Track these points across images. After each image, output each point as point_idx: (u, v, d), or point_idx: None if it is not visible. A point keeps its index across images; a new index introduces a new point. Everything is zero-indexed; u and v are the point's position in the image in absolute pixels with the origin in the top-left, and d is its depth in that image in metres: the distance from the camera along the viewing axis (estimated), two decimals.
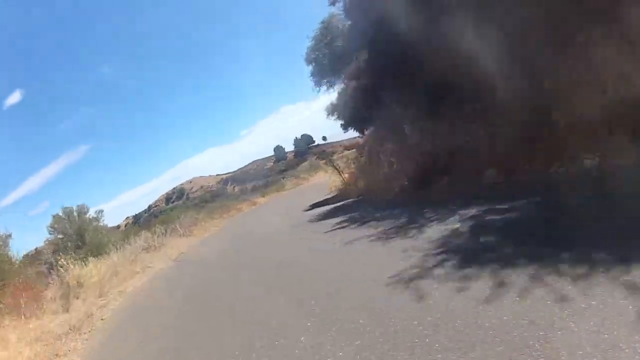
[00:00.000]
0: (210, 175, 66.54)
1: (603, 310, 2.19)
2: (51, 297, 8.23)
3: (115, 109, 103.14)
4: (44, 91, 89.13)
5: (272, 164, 65.16)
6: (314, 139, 65.60)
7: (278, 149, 67.12)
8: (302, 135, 67.16)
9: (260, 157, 68.23)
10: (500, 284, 2.84)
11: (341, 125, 14.52)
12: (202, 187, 62.93)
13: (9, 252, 9.14)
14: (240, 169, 69.42)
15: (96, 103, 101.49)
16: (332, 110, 14.56)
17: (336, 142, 69.02)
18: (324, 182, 18.65)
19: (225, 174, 67.88)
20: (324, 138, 65.78)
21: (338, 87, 14.10)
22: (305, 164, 62.28)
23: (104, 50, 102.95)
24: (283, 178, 49.82)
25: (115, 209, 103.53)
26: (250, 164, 69.13)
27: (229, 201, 33.59)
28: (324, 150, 64.37)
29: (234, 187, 66.31)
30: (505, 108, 5.91)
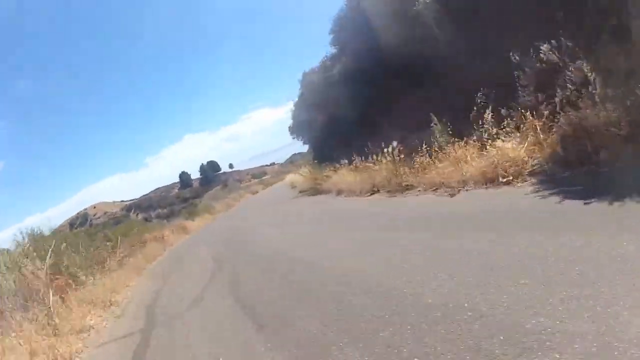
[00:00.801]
0: (114, 202, 59.25)
1: None
2: None
3: (24, 128, 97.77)
4: None
5: (177, 190, 67.78)
6: (220, 166, 73.78)
7: (183, 175, 70.17)
8: (208, 162, 72.25)
9: (165, 184, 68.21)
10: None
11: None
12: (105, 213, 56.80)
13: None
14: (144, 195, 66.12)
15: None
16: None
17: (243, 169, 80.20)
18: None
19: (129, 200, 62.85)
20: (231, 166, 74.94)
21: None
22: (212, 192, 71.76)
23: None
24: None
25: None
26: (154, 191, 67.43)
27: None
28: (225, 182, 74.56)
29: (137, 214, 65.91)
30: None
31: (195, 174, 71.24)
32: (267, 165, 77.18)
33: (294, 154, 77.00)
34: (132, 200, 65.95)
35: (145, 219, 58.29)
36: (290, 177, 23.58)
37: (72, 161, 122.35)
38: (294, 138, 18.08)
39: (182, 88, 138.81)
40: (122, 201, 64.89)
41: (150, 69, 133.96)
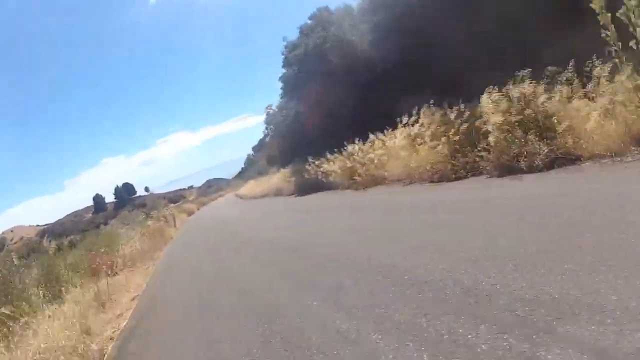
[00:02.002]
0: (30, 226, 57.04)
1: None
2: None
3: None
4: None
5: (90, 215, 68.96)
6: (135, 189, 76.08)
7: (97, 199, 70.94)
8: (123, 184, 73.84)
9: (80, 208, 68.02)
10: None
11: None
12: (22, 237, 55.91)
13: None
14: (58, 220, 65.00)
15: None
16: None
17: (158, 194, 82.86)
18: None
19: (44, 225, 61.48)
20: (147, 189, 77.93)
21: None
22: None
23: None
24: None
25: None
26: (68, 215, 66.73)
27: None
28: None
29: (50, 240, 67.25)
30: None
31: (110, 197, 73.72)
32: (184, 189, 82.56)
33: (211, 179, 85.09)
34: (47, 224, 65.15)
35: (58, 247, 60.58)
36: (227, 197, 35.38)
37: None
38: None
39: (102, 110, 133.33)
40: (39, 225, 63.56)
41: (72, 91, 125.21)
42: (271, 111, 18.27)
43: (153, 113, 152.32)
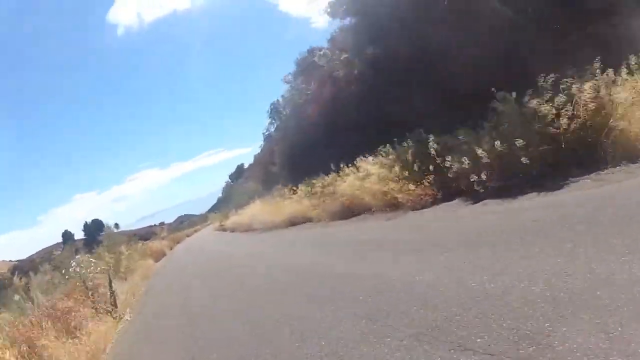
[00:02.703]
0: (3, 261, 56.38)
1: None
2: None
3: None
4: None
5: (59, 252, 69.57)
6: (104, 226, 77.35)
7: (66, 235, 71.40)
8: (92, 221, 74.33)
9: (50, 244, 68.24)
10: None
11: None
12: None
13: None
14: (29, 256, 64.78)
15: None
16: None
17: (129, 230, 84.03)
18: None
19: (16, 260, 61.25)
20: (117, 225, 79.56)
21: None
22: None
23: None
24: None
25: None
26: (38, 252, 66.69)
27: None
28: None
29: (21, 277, 67.48)
30: None
31: (79, 234, 74.99)
32: (155, 226, 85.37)
33: (183, 215, 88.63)
34: (19, 260, 64.97)
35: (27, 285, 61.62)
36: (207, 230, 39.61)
37: None
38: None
39: (71, 145, 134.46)
40: (11, 260, 63.22)
41: (43, 124, 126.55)
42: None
43: (124, 149, 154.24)
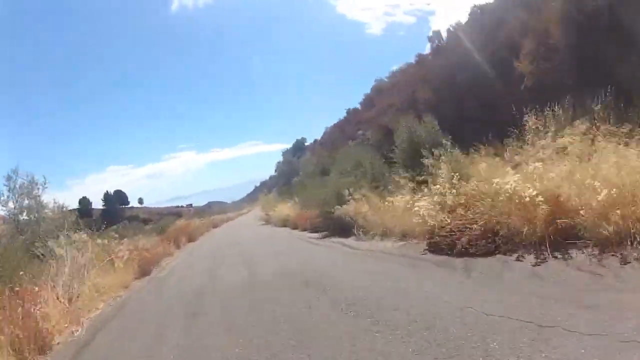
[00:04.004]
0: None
1: None
2: None
3: None
4: None
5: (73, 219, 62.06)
6: (128, 199, 69.66)
7: (84, 202, 64.24)
8: (115, 191, 66.09)
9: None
10: None
11: None
12: None
13: None
14: None
15: None
16: None
17: (153, 207, 76.34)
18: None
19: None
20: (140, 200, 71.40)
21: None
22: None
23: None
24: None
25: None
26: None
27: None
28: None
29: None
30: None
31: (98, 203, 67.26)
32: (182, 207, 77.10)
33: (212, 202, 79.74)
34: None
35: None
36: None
37: None
38: None
39: (115, 117, 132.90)
40: None
41: (88, 94, 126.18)
42: None
43: (166, 127, 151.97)
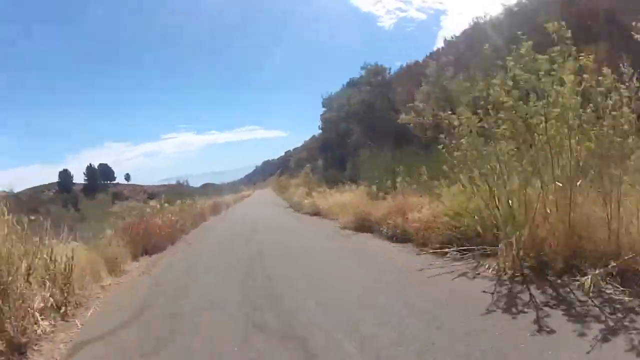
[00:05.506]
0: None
1: None
2: None
3: None
4: None
5: (52, 193, 55.18)
6: (115, 175, 62.99)
7: (63, 175, 57.14)
8: (99, 165, 59.74)
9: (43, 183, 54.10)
10: None
11: None
12: None
13: None
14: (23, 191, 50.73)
15: None
16: None
17: (139, 185, 69.72)
18: None
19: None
20: (127, 177, 64.85)
21: None
22: None
23: None
24: None
25: None
26: (31, 188, 52.42)
27: None
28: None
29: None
30: None
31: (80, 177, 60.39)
32: (174, 184, 71.00)
33: (208, 183, 73.99)
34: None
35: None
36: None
37: None
38: None
39: (114, 93, 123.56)
40: (4, 192, 49.73)
41: (88, 67, 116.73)
42: None
43: (164, 107, 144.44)
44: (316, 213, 11.39)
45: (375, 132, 13.88)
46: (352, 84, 18.49)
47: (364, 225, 6.76)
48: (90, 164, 60.50)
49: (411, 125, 11.50)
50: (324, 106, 30.58)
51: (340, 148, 18.33)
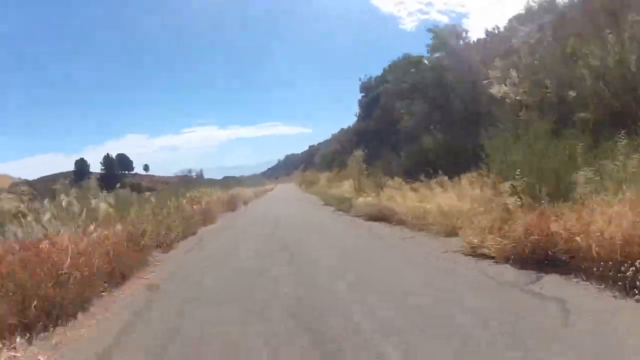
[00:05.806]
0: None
1: None
2: None
3: None
4: None
5: (67, 182, 54.04)
6: (133, 165, 61.73)
7: (80, 164, 55.74)
8: (117, 155, 57.96)
9: (60, 171, 53.08)
10: None
11: None
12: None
13: None
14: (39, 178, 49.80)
15: None
16: None
17: (158, 176, 68.28)
18: None
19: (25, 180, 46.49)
20: (146, 167, 63.28)
21: None
22: None
23: None
24: None
25: None
26: (50, 175, 51.44)
27: None
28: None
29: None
30: None
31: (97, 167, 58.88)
32: (192, 176, 69.09)
33: (229, 177, 72.43)
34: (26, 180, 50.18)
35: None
36: None
37: None
38: None
39: (138, 86, 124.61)
40: (20, 178, 48.81)
41: (114, 61, 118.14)
42: None
43: (185, 101, 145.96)
44: (379, 218, 8.20)
45: (452, 112, 10.48)
46: (406, 59, 14.95)
47: (545, 256, 3.47)
48: (107, 154, 59.06)
49: (507, 100, 8.46)
50: (361, 92, 26.62)
51: (390, 134, 14.96)
